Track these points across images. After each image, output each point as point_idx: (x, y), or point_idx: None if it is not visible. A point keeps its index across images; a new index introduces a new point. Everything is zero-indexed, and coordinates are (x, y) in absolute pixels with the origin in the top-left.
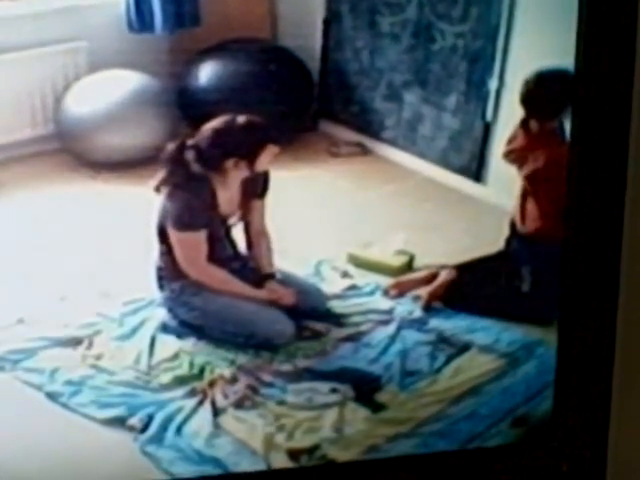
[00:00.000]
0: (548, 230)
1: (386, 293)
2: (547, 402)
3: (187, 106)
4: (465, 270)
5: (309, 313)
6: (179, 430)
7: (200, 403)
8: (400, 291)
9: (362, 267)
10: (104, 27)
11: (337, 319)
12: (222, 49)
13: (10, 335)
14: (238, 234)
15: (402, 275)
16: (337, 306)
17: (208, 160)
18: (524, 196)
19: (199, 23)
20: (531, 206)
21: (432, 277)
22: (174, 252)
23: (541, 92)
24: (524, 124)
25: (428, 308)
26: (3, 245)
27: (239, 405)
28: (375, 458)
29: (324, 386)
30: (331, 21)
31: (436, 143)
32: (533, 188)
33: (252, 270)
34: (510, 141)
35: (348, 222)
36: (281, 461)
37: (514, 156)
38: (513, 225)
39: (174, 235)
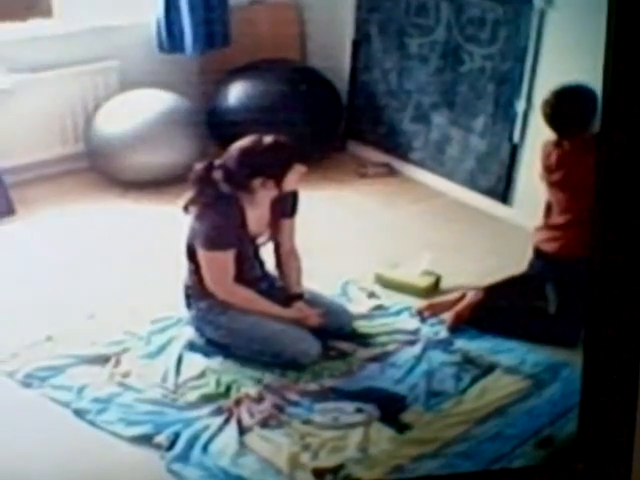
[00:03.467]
0: (573, 250)
1: (419, 314)
2: (572, 424)
3: (216, 126)
4: (492, 291)
5: (335, 333)
6: (205, 448)
7: (226, 421)
8: (433, 313)
9: (389, 287)
10: (135, 47)
11: (363, 339)
12: (252, 69)
13: (39, 352)
14: (266, 254)
15: (429, 295)
16: (363, 326)
17: (236, 180)
18: (549, 213)
19: (229, 43)
20: (557, 223)
21: (463, 299)
22: (202, 271)
23: (562, 110)
24: (557, 143)
25: (454, 329)
26: (32, 262)
27: (265, 424)
28: (400, 478)
29: (350, 406)
30: (360, 42)
31: (463, 165)
32: (564, 201)
33: (280, 290)
34: (544, 160)
35: (375, 242)
36: None
37: (550, 174)
38: (536, 247)
39: (202, 254)
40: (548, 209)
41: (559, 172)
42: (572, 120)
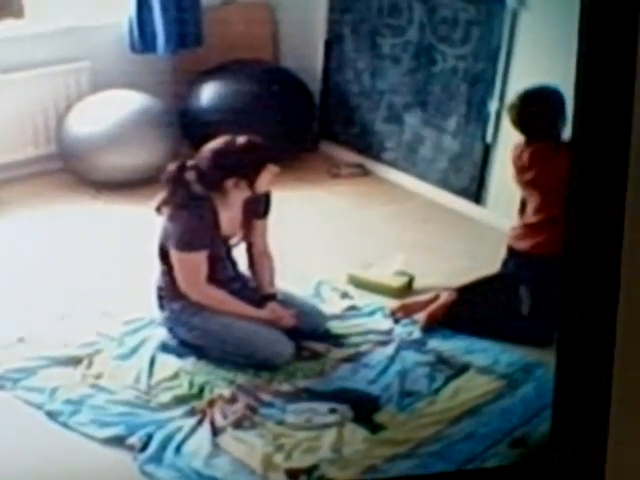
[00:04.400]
0: (546, 248)
1: (392, 315)
2: (545, 423)
3: (189, 126)
4: (465, 292)
5: (309, 334)
6: (178, 449)
7: (199, 422)
8: (406, 313)
9: (362, 288)
10: (107, 48)
11: (336, 340)
12: (224, 70)
13: (11, 354)
14: (239, 254)
15: (402, 296)
16: (337, 327)
17: (208, 180)
18: (523, 213)
19: (201, 44)
20: (530, 222)
21: (436, 299)
22: (174, 272)
23: (529, 113)
24: (527, 144)
25: (427, 329)
26: (3, 264)
27: (238, 425)
28: (373, 478)
29: (323, 406)
30: (332, 43)
31: (436, 165)
32: (537, 201)
33: (253, 290)
34: (516, 161)
35: (348, 243)
36: None
37: (522, 175)
38: (510, 246)
39: (175, 255)
40: (522, 208)
41: (530, 172)
42: (539, 122)
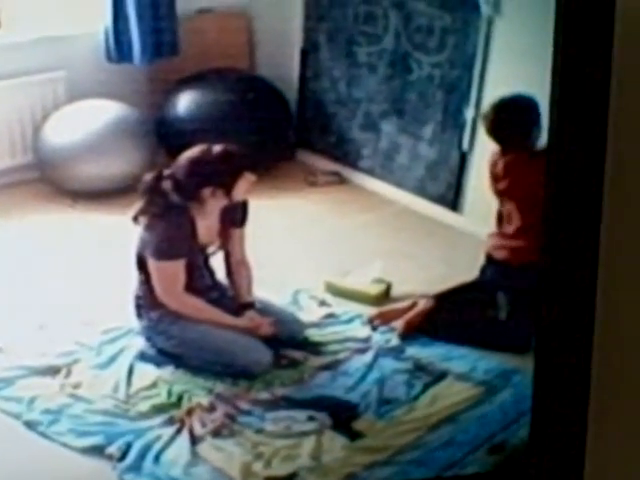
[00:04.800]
0: (523, 257)
1: (370, 322)
2: (524, 430)
3: (166, 136)
4: (443, 299)
5: (287, 342)
6: (157, 458)
7: (178, 431)
8: (383, 321)
9: (340, 296)
10: (82, 57)
11: (314, 347)
12: (200, 79)
13: None
14: (216, 263)
15: (379, 303)
16: (314, 334)
17: (185, 190)
18: (500, 221)
19: (177, 53)
20: (507, 231)
21: (414, 307)
22: (152, 281)
23: (502, 123)
24: (502, 153)
25: (405, 337)
26: None
27: (217, 433)
28: None
29: (301, 414)
30: (308, 51)
31: (413, 172)
32: (513, 210)
33: (230, 299)
34: (492, 169)
35: (325, 251)
36: None
37: (497, 184)
38: (488, 254)
39: (152, 264)
40: (499, 217)
41: (505, 181)
42: (513, 131)
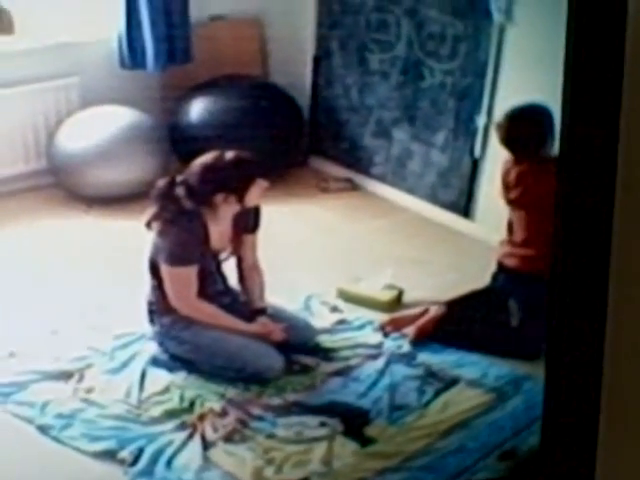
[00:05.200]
0: (534, 265)
1: (382, 329)
2: (535, 436)
3: (178, 142)
4: (454, 305)
5: (298, 347)
6: (169, 463)
7: (190, 436)
8: (395, 327)
9: (351, 302)
10: (96, 64)
11: (326, 353)
12: (213, 86)
13: (2, 368)
14: (229, 269)
15: (391, 309)
16: (326, 340)
17: (198, 195)
18: (511, 229)
19: (190, 60)
20: (518, 239)
21: (426, 313)
22: (165, 287)
23: (516, 132)
24: (515, 161)
25: (416, 343)
26: None
27: (229, 438)
28: None
29: (313, 420)
30: (321, 58)
31: (425, 179)
32: (524, 219)
33: (243, 304)
34: (504, 177)
35: (337, 257)
36: None
37: (508, 192)
38: (499, 261)
39: (165, 270)
40: (510, 225)
41: (517, 190)
42: (527, 141)
